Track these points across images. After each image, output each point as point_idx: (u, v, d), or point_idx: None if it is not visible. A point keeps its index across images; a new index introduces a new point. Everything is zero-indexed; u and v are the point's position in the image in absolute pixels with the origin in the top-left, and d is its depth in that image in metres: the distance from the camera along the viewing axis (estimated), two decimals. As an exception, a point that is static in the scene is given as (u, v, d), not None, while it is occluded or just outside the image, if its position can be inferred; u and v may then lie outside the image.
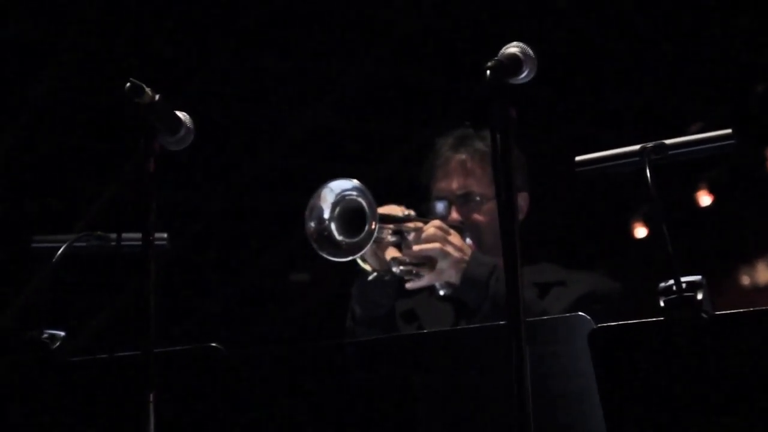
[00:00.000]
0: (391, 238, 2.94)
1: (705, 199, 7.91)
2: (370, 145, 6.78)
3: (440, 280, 2.91)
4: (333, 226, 2.85)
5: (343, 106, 6.81)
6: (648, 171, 2.10)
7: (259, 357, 2.50)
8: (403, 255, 2.94)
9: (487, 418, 2.22)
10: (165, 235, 2.62)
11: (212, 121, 6.55)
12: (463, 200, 3.09)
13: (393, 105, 6.74)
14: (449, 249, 2.88)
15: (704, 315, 1.93)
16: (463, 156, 3.12)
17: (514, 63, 1.99)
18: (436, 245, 2.87)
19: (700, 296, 1.95)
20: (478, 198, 3.09)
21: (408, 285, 2.94)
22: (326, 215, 2.85)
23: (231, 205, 7.81)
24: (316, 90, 6.66)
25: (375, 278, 2.93)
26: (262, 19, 6.00)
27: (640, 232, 7.95)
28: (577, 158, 2.34)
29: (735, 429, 1.94)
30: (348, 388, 2.37)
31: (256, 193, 7.47)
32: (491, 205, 2.98)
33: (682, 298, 1.92)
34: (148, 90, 2.14)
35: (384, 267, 2.92)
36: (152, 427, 2.00)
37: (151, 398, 2.15)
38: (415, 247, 2.90)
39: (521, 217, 3.02)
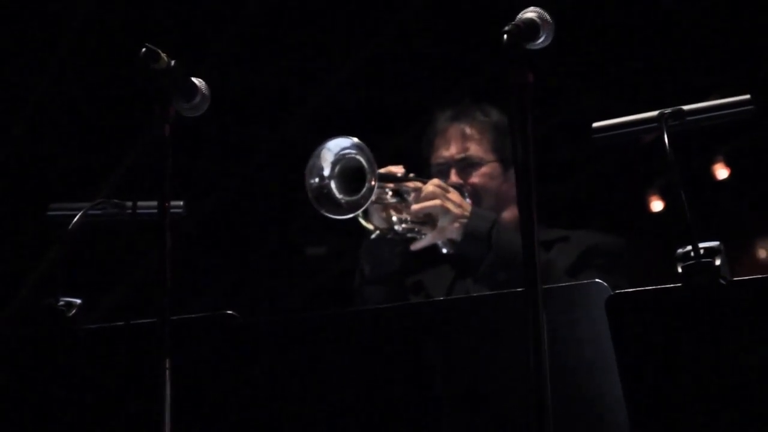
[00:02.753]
0: (391, 198, 2.98)
1: (722, 172, 7.84)
2: (388, 117, 6.77)
3: (443, 237, 2.94)
4: (333, 185, 2.87)
5: (359, 78, 6.74)
6: (666, 137, 2.08)
7: (273, 324, 2.48)
8: (405, 214, 2.99)
9: (503, 387, 2.22)
10: (181, 203, 2.62)
11: (233, 90, 6.57)
12: (462, 164, 3.13)
13: (410, 77, 6.72)
14: (449, 205, 2.91)
15: (723, 281, 1.91)
16: (461, 125, 3.15)
17: (532, 28, 1.98)
18: (436, 202, 2.90)
19: (718, 262, 1.93)
20: (476, 161, 3.11)
21: (412, 246, 2.97)
22: (326, 173, 2.87)
23: (251, 176, 7.80)
24: (332, 63, 6.64)
25: (378, 236, 2.97)
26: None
27: (657, 205, 7.92)
28: (594, 124, 2.32)
29: (754, 398, 1.94)
30: (361, 355, 2.38)
31: (276, 165, 7.48)
32: (489, 168, 3.06)
33: (700, 264, 1.91)
34: (163, 55, 2.13)
35: (387, 225, 2.97)
36: (168, 394, 2.01)
37: (167, 365, 2.15)
38: (415, 206, 2.93)
39: None
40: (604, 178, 7.85)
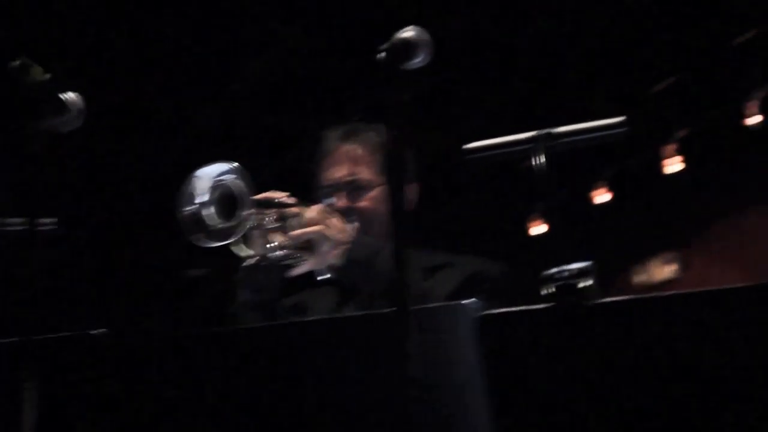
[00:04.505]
0: (273, 224, 2.94)
1: (603, 196, 8.07)
2: (273, 139, 6.82)
3: (323, 263, 2.92)
4: (208, 212, 2.83)
5: (243, 100, 6.76)
6: (539, 158, 2.11)
7: (146, 342, 2.46)
8: (285, 240, 2.94)
9: (373, 406, 2.20)
10: (54, 220, 2.55)
11: (121, 108, 6.53)
12: (349, 187, 3.11)
13: (298, 98, 6.79)
14: (330, 232, 2.89)
15: (590, 302, 1.95)
16: (351, 146, 3.13)
17: (409, 47, 1.99)
18: (317, 228, 2.88)
19: (587, 283, 1.97)
20: (364, 185, 3.09)
21: (291, 272, 2.96)
22: (202, 199, 2.82)
23: (136, 199, 7.75)
24: (215, 85, 6.66)
25: (256, 263, 2.94)
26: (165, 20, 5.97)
27: (539, 228, 8.12)
28: (465, 146, 2.35)
29: (620, 415, 1.98)
30: (235, 374, 2.34)
31: (161, 188, 7.39)
32: (378, 192, 3.03)
33: (569, 285, 1.91)
34: (38, 68, 2.14)
35: (265, 252, 2.94)
36: (30, 412, 2.01)
37: (30, 385, 2.15)
38: (295, 232, 2.90)
39: (410, 207, 3.07)
40: (490, 202, 8.00)
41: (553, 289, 2.00)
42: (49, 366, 2.28)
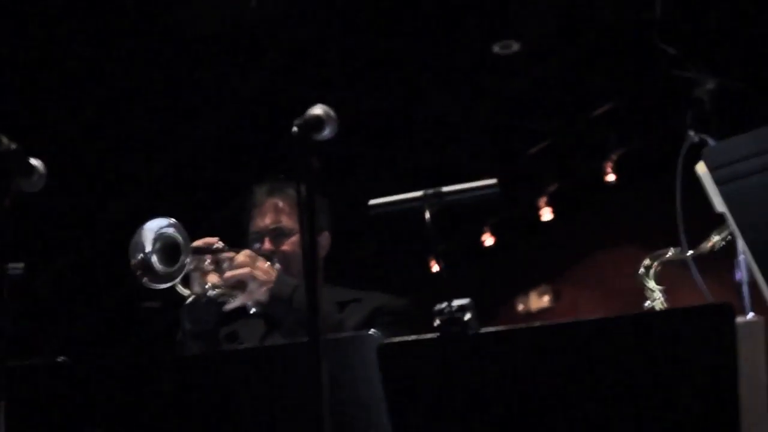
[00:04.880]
0: (209, 266, 2.94)
1: (488, 240, 8.21)
2: (210, 194, 6.83)
3: (251, 299, 2.92)
4: (153, 258, 2.85)
5: (186, 162, 6.88)
6: (427, 212, 2.16)
7: (100, 369, 2.43)
8: (219, 280, 2.96)
9: (291, 419, 2.21)
10: (21, 265, 2.52)
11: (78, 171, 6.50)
12: (273, 233, 3.11)
13: (230, 162, 6.84)
14: (257, 273, 2.89)
15: (470, 332, 1.95)
16: (275, 199, 3.15)
17: (318, 122, 2.02)
18: (246, 270, 2.88)
19: (468, 316, 1.95)
20: (286, 231, 3.11)
21: (224, 307, 2.95)
22: (147, 249, 2.85)
23: (93, 241, 7.68)
24: (165, 144, 6.66)
25: (194, 300, 2.95)
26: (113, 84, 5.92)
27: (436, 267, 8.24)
28: (371, 202, 2.40)
29: (497, 425, 2.00)
30: (176, 397, 2.33)
31: (114, 233, 7.36)
32: (297, 238, 3.04)
33: (452, 318, 1.93)
34: (4, 139, 2.15)
35: (202, 291, 2.95)
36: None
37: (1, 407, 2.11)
38: (227, 274, 2.90)
39: (323, 253, 3.09)
40: (395, 246, 8.11)
41: (443, 320, 2.00)
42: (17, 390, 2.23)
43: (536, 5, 5.62)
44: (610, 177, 7.25)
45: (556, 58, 6.12)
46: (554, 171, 7.80)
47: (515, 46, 5.85)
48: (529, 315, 8.45)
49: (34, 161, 2.22)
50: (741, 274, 2.64)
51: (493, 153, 7.10)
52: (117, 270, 7.68)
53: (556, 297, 8.45)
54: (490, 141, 7.06)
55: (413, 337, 2.08)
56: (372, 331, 2.30)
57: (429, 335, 2.03)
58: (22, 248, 2.28)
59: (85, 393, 2.39)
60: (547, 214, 7.74)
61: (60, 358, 2.42)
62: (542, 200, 7.78)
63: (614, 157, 7.21)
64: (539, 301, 8.60)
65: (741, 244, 2.49)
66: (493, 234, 8.11)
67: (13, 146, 2.15)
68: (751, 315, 2.30)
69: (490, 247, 8.21)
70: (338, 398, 2.02)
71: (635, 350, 1.96)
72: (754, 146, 2.36)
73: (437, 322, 1.99)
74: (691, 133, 2.67)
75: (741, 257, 2.55)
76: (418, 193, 2.29)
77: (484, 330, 2.00)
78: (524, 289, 8.58)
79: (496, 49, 5.83)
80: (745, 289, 2.67)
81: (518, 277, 8.58)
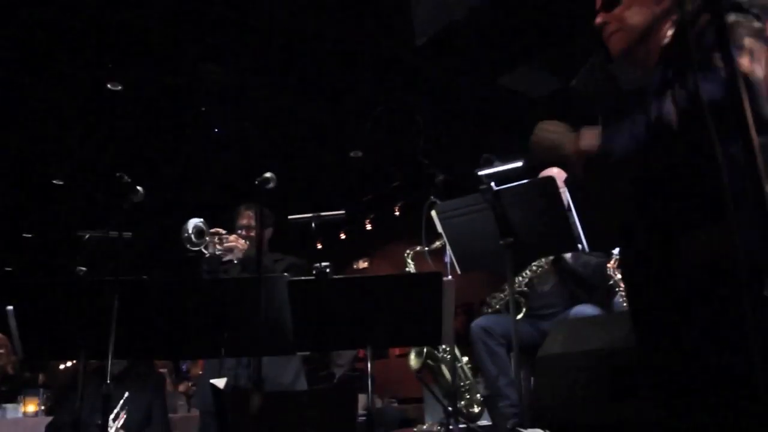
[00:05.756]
0: (217, 241, 3.43)
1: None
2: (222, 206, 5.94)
3: (234, 257, 3.48)
4: (193, 237, 3.33)
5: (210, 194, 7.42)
6: (313, 224, 2.68)
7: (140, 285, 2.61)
8: (221, 246, 3.39)
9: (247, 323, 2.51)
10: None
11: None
12: (246, 227, 3.56)
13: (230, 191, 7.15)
14: (238, 244, 3.45)
15: (328, 278, 2.67)
16: (248, 211, 3.65)
17: (267, 181, 2.75)
18: (233, 243, 3.45)
19: (328, 270, 2.71)
20: (252, 226, 3.54)
21: (223, 259, 3.48)
22: (190, 231, 3.33)
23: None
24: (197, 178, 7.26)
25: (209, 255, 3.39)
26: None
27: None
28: (289, 217, 2.87)
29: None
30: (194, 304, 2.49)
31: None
32: (258, 230, 3.40)
33: (321, 271, 2.73)
34: (125, 177, 2.43)
35: (214, 251, 3.42)
36: None
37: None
38: (225, 244, 3.43)
39: (268, 236, 3.49)
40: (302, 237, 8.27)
41: (315, 271, 2.70)
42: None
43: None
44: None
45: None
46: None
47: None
48: (357, 270, 10.07)
49: (137, 187, 2.58)
50: (447, 258, 3.07)
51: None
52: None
53: (371, 263, 10.18)
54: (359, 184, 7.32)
55: (303, 278, 2.45)
56: (286, 274, 2.69)
57: (310, 278, 2.48)
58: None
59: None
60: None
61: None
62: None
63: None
64: (363, 264, 10.08)
65: (448, 246, 2.96)
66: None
67: (128, 179, 2.54)
68: (449, 278, 2.57)
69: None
70: (269, 307, 2.36)
71: (397, 291, 2.33)
72: (457, 204, 2.90)
73: (314, 272, 2.68)
74: (432, 197, 3.33)
75: (448, 251, 3.02)
76: (309, 215, 3.15)
77: (334, 277, 2.44)
78: (357, 257, 10.24)
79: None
80: (448, 266, 3.14)
81: (355, 252, 10.31)
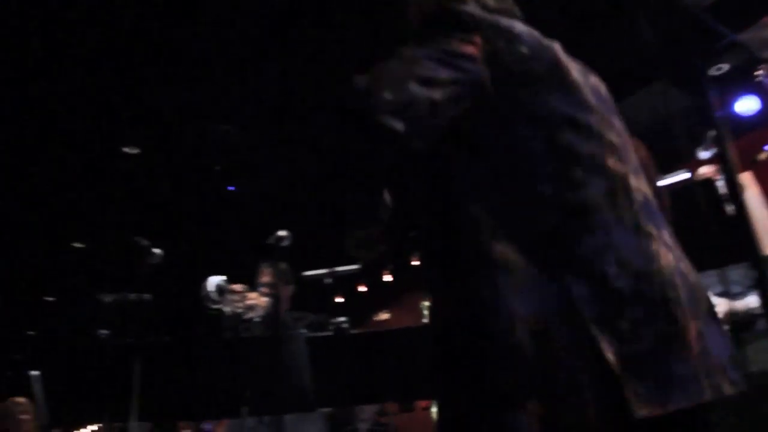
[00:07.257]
0: (238, 297, 3.38)
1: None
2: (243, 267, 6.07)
3: (255, 315, 3.45)
4: (213, 295, 3.28)
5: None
6: (328, 278, 2.79)
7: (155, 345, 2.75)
8: (242, 304, 3.35)
9: (270, 372, 2.65)
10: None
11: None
12: (268, 285, 3.47)
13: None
14: (259, 302, 3.42)
15: (346, 333, 2.64)
16: (268, 269, 3.59)
17: (281, 239, 2.80)
18: (254, 301, 3.40)
19: (345, 325, 2.71)
20: (271, 284, 3.46)
21: (243, 317, 3.45)
22: (210, 289, 3.29)
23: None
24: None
25: (230, 313, 3.36)
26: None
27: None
28: (303, 273, 2.96)
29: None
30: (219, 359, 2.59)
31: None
32: (282, 288, 3.49)
33: (339, 327, 2.71)
34: (143, 240, 2.58)
35: (234, 309, 3.38)
36: None
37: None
38: (246, 302, 3.38)
39: (290, 293, 3.46)
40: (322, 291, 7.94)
41: (333, 327, 2.67)
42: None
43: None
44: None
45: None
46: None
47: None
48: (378, 322, 9.70)
49: (155, 249, 2.69)
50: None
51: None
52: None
53: (392, 314, 9.80)
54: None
55: (321, 335, 2.50)
56: (303, 330, 2.76)
57: (328, 333, 2.55)
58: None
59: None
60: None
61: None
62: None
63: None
64: (382, 316, 9.63)
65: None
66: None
67: (146, 242, 2.67)
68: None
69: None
70: (289, 365, 2.35)
71: (416, 343, 2.37)
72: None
73: (332, 328, 2.70)
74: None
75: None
76: (323, 270, 3.12)
77: (351, 332, 2.49)
78: (377, 309, 10.04)
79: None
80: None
81: (376, 304, 10.25)
